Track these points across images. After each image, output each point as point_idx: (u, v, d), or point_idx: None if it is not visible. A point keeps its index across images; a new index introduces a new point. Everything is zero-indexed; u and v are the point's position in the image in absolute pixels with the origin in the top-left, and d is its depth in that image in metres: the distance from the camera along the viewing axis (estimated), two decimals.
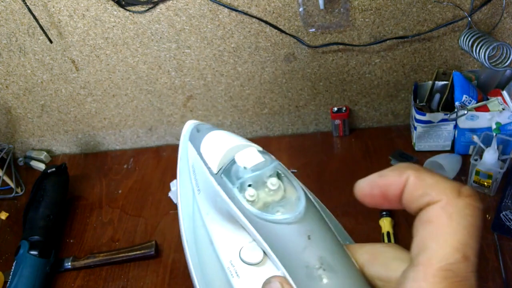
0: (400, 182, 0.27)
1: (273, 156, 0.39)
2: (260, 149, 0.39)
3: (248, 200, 0.36)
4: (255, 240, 0.35)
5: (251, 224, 0.35)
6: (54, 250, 0.83)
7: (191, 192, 0.44)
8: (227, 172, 0.39)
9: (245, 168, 0.37)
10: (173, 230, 0.86)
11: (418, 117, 0.84)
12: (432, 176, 0.26)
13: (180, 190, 0.46)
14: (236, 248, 0.40)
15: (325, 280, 0.29)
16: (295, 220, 0.33)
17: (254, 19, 0.83)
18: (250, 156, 0.38)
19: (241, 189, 0.37)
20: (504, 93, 0.81)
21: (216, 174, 0.39)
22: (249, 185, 0.37)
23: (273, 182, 0.36)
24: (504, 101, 0.80)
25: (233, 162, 0.39)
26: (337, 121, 0.96)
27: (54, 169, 0.93)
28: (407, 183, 0.27)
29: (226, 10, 0.82)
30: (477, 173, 0.78)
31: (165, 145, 1.07)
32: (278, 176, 0.38)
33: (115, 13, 0.84)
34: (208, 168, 0.40)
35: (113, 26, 0.86)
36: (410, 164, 0.27)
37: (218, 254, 0.42)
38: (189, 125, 0.48)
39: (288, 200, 0.36)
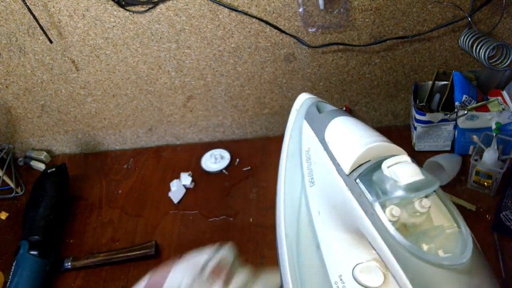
0: None
1: (432, 175, 0.31)
2: (409, 158, 0.31)
3: (390, 220, 0.28)
4: (395, 275, 0.27)
5: (393, 254, 0.27)
6: (54, 250, 0.83)
7: (300, 181, 0.36)
8: (367, 178, 0.31)
9: (396, 182, 0.30)
10: (173, 230, 0.86)
11: (418, 117, 0.84)
12: None
13: (285, 175, 0.38)
14: (350, 263, 0.33)
15: None
16: (462, 267, 0.25)
17: (254, 19, 0.83)
18: (408, 169, 0.30)
19: (383, 205, 0.29)
20: (504, 93, 0.81)
21: (348, 175, 0.32)
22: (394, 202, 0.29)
23: (425, 204, 0.29)
24: (504, 101, 0.80)
25: (376, 167, 0.31)
26: None
27: (54, 169, 0.93)
28: None
29: (226, 10, 0.82)
30: (477, 173, 0.78)
31: (165, 145, 1.07)
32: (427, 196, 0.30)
33: (115, 13, 0.84)
34: (337, 165, 0.32)
35: (113, 26, 0.86)
36: None
37: (325, 263, 0.35)
38: (304, 99, 0.39)
39: (440, 232, 0.28)
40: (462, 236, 0.28)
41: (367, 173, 0.32)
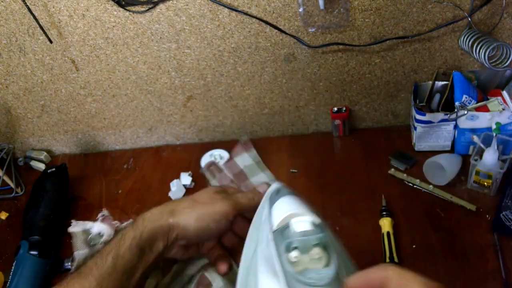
0: (382, 277, 0.37)
1: (326, 228, 0.46)
2: (317, 221, 0.46)
3: (290, 261, 0.42)
4: None
5: (286, 279, 0.41)
6: (54, 250, 0.83)
7: (255, 243, 0.51)
8: (282, 231, 0.46)
9: (295, 231, 0.44)
10: None
11: (418, 117, 0.84)
12: (408, 272, 0.37)
13: (250, 234, 0.54)
14: None
15: None
16: (322, 284, 0.40)
17: (254, 19, 0.83)
18: (302, 223, 0.45)
19: (288, 249, 0.43)
20: (504, 93, 0.81)
21: (274, 231, 0.46)
22: (295, 248, 0.44)
23: (316, 251, 0.43)
24: (504, 101, 0.80)
25: (289, 224, 0.46)
26: (337, 121, 0.96)
27: (54, 169, 0.93)
28: (388, 277, 0.36)
29: (226, 10, 0.82)
30: (477, 173, 0.78)
31: (165, 145, 1.07)
32: (325, 247, 0.44)
33: (115, 13, 0.84)
34: (271, 223, 0.47)
35: (113, 26, 0.86)
36: (390, 263, 0.36)
37: None
38: (274, 186, 0.56)
39: (324, 270, 0.42)
40: (331, 267, 0.42)
41: (284, 228, 0.46)
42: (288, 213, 0.46)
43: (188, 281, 0.70)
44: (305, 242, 0.44)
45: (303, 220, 0.45)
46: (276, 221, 0.47)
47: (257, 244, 0.50)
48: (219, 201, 0.63)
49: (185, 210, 0.62)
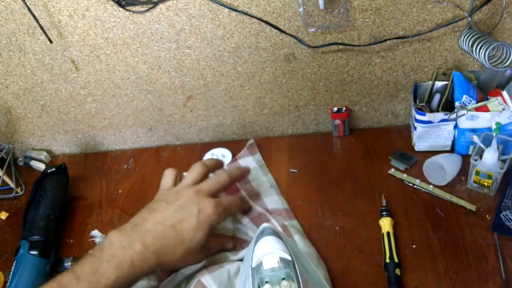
0: None
1: (292, 264, 0.54)
2: (288, 258, 0.54)
3: None
4: None
5: None
6: (54, 250, 0.83)
7: (245, 276, 0.59)
8: (257, 268, 0.55)
9: (265, 268, 0.54)
10: None
11: (418, 117, 0.84)
12: None
13: (241, 270, 0.64)
14: None
15: None
16: None
17: (254, 19, 0.83)
18: (271, 260, 0.54)
19: (261, 283, 0.53)
20: (504, 93, 0.81)
21: (253, 268, 0.55)
22: (267, 282, 0.53)
23: (284, 284, 0.52)
24: (504, 101, 0.80)
25: (262, 262, 0.54)
26: (337, 121, 0.96)
27: (54, 169, 0.93)
28: None
29: (226, 10, 0.82)
30: (477, 173, 0.78)
31: (165, 145, 1.07)
32: (293, 279, 0.53)
33: (115, 13, 0.84)
34: (251, 261, 0.56)
35: (113, 26, 0.86)
36: None
37: None
38: (262, 226, 0.63)
39: None
40: None
41: (258, 265, 0.55)
42: (262, 253, 0.55)
43: (180, 282, 0.70)
44: (273, 277, 0.53)
45: (272, 258, 0.54)
46: (255, 259, 0.55)
47: (246, 277, 0.58)
48: (211, 247, 0.70)
49: (177, 263, 0.67)
